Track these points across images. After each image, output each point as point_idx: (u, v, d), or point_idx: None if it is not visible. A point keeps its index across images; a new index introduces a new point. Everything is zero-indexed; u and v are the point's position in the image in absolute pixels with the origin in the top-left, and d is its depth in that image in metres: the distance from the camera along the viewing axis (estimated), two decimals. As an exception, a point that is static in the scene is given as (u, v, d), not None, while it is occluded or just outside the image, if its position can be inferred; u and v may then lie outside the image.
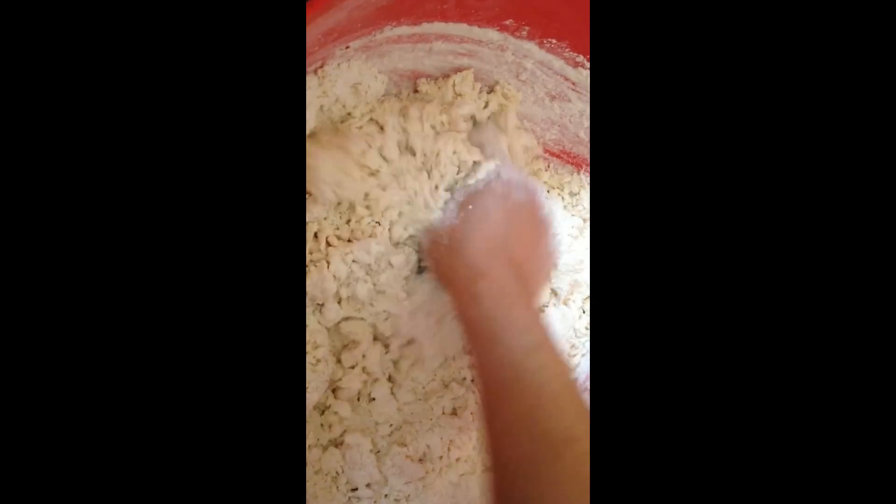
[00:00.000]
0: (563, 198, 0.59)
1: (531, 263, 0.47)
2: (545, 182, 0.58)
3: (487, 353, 0.40)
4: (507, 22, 0.47)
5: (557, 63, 0.50)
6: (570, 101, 0.53)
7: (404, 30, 0.44)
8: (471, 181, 0.47)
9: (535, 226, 0.49)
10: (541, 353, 0.39)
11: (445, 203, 0.47)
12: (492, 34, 0.48)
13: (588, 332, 0.57)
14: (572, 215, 0.58)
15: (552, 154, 0.58)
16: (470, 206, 0.46)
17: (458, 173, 0.48)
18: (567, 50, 0.49)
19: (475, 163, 0.48)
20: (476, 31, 0.47)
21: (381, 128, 0.46)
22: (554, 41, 0.48)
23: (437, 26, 0.45)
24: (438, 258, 0.46)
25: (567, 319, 0.56)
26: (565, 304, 0.57)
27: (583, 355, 0.57)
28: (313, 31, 0.36)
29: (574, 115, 0.54)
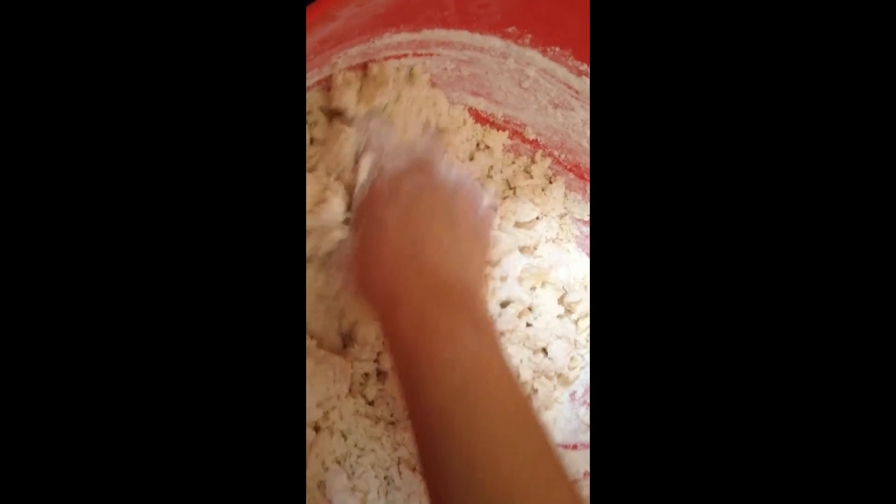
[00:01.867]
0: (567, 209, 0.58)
1: (453, 261, 0.39)
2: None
3: (412, 404, 0.35)
4: (510, 29, 0.46)
5: (560, 71, 0.49)
6: (573, 109, 0.52)
7: (404, 37, 0.43)
8: (358, 190, 0.41)
9: (443, 211, 0.40)
10: (470, 390, 0.33)
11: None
12: (494, 41, 0.47)
13: (588, 344, 0.57)
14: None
15: (557, 162, 0.57)
16: (362, 222, 0.39)
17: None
18: (570, 58, 0.48)
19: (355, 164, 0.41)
20: (478, 39, 0.46)
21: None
22: (557, 49, 0.47)
23: (438, 33, 0.44)
24: (354, 293, 0.41)
25: (568, 332, 0.55)
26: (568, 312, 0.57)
27: (582, 367, 0.56)
28: (308, 41, 0.35)
29: (577, 124, 0.53)
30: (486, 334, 0.36)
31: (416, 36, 0.44)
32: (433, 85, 0.49)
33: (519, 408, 0.34)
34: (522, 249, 0.55)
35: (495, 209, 0.46)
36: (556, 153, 0.56)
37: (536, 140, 0.56)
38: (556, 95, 0.51)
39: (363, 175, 0.41)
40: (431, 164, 0.42)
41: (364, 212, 0.40)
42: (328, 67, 0.42)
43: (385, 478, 0.50)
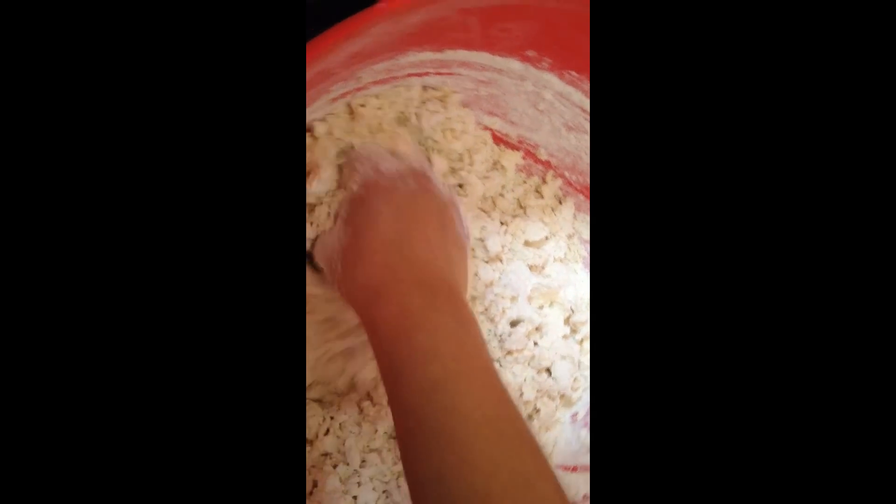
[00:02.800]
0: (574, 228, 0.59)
1: (440, 260, 0.39)
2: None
3: (390, 396, 0.34)
4: (530, 53, 0.47)
5: (576, 95, 0.50)
6: (586, 132, 0.53)
7: (427, 55, 0.45)
8: (350, 188, 0.41)
9: (435, 216, 0.41)
10: (449, 386, 0.32)
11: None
12: (513, 64, 0.48)
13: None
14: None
15: (569, 183, 0.58)
16: (355, 218, 0.40)
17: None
18: (586, 83, 0.49)
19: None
20: (498, 61, 0.47)
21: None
22: (574, 73, 0.49)
23: (460, 54, 0.46)
24: (339, 286, 0.40)
25: (572, 353, 0.56)
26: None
27: (584, 389, 0.57)
28: (339, 55, 0.36)
29: (589, 147, 0.54)
30: (469, 331, 0.35)
31: (439, 55, 0.45)
32: (464, 105, 0.51)
33: (499, 404, 0.32)
34: (531, 268, 0.56)
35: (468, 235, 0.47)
36: (567, 174, 0.57)
37: (549, 161, 0.57)
38: (571, 118, 0.53)
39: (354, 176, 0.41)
40: (427, 175, 0.43)
41: (356, 205, 0.40)
42: (353, 81, 0.43)
43: (384, 492, 0.50)
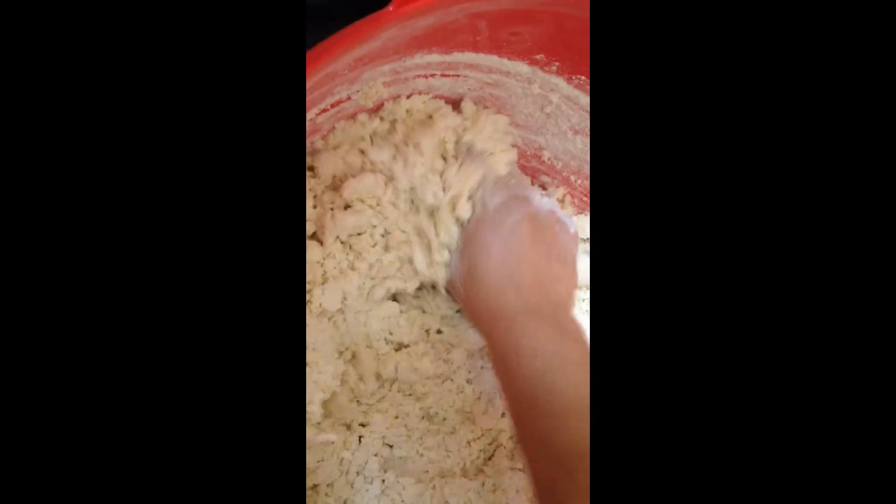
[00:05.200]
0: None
1: (546, 283, 0.45)
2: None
3: (505, 385, 0.42)
4: (538, 57, 0.46)
5: (584, 99, 0.50)
6: (592, 136, 0.52)
7: (434, 58, 0.44)
8: (461, 221, 0.47)
9: (539, 240, 0.46)
10: (548, 376, 0.40)
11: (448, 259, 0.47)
12: (521, 67, 0.47)
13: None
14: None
15: (569, 186, 0.57)
16: (468, 250, 0.46)
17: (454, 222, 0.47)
18: (595, 87, 0.48)
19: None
20: (506, 63, 0.47)
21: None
22: (583, 78, 0.48)
23: (468, 56, 0.45)
24: (463, 308, 0.48)
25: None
26: None
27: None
28: (346, 59, 0.35)
29: (595, 151, 0.53)
30: (567, 338, 0.42)
31: (447, 58, 0.44)
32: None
33: (587, 387, 0.39)
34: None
35: (579, 237, 0.51)
36: (572, 178, 0.57)
37: (552, 164, 0.56)
38: (577, 122, 0.52)
39: (464, 213, 0.46)
40: (527, 198, 0.47)
41: (470, 241, 0.46)
42: (359, 83, 0.42)
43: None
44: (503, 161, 0.51)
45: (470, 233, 0.46)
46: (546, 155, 0.56)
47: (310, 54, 0.32)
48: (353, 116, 0.46)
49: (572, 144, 0.54)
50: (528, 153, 0.56)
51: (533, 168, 0.57)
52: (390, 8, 0.33)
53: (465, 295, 0.46)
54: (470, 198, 0.46)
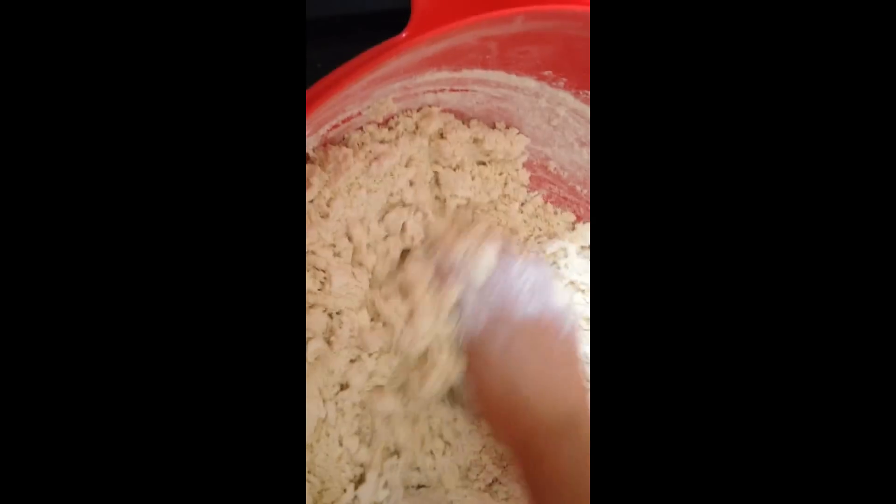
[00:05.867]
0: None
1: (550, 392, 0.43)
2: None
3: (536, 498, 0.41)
4: (546, 73, 0.47)
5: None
6: (599, 149, 0.53)
7: (444, 74, 0.44)
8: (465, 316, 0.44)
9: (538, 347, 0.44)
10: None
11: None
12: (529, 82, 0.48)
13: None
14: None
15: (575, 195, 0.58)
16: (477, 348, 0.44)
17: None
18: (602, 102, 0.49)
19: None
20: (514, 79, 0.47)
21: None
22: (589, 93, 0.49)
23: (477, 73, 0.45)
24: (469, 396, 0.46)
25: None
26: None
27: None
28: (359, 83, 0.36)
29: (602, 163, 0.54)
30: (577, 456, 0.39)
31: (456, 74, 0.45)
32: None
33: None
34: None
35: (577, 326, 0.49)
36: (578, 188, 0.57)
37: (559, 174, 0.57)
38: (584, 134, 0.53)
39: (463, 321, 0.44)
40: (513, 305, 0.44)
41: (471, 350, 0.44)
42: (370, 101, 0.43)
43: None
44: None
45: (471, 339, 0.44)
46: (552, 165, 0.56)
47: (323, 82, 0.32)
48: (360, 129, 0.47)
49: (578, 156, 0.55)
50: (535, 163, 0.56)
51: (539, 178, 0.57)
52: (403, 35, 0.33)
53: (472, 391, 0.45)
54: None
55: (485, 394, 0.44)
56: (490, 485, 0.53)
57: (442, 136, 0.49)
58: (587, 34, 0.40)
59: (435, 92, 0.47)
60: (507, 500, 0.52)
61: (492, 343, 0.43)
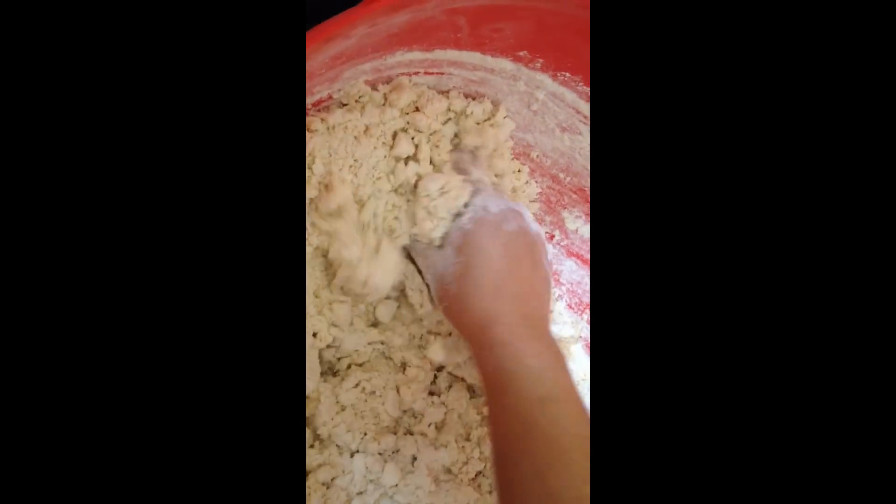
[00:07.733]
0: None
1: (534, 297, 0.46)
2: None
3: (497, 405, 0.40)
4: (522, 53, 0.46)
5: (570, 96, 0.49)
6: (580, 133, 0.52)
7: (416, 55, 0.44)
8: (462, 220, 0.46)
9: (530, 254, 0.47)
10: (552, 404, 0.38)
11: (441, 243, 0.47)
12: (505, 64, 0.47)
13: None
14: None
15: (558, 183, 0.57)
16: (468, 248, 0.45)
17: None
18: (580, 84, 0.48)
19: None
20: (489, 61, 0.46)
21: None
22: (567, 74, 0.48)
23: (450, 53, 0.45)
24: (449, 306, 0.46)
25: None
26: None
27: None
28: (319, 57, 0.35)
29: (583, 148, 0.53)
30: (560, 361, 0.41)
31: (428, 55, 0.44)
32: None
33: (587, 425, 0.37)
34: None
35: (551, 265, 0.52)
36: (561, 175, 0.56)
37: (541, 161, 0.56)
38: (564, 119, 0.52)
39: (469, 213, 0.46)
40: (522, 214, 0.47)
41: (470, 239, 0.45)
42: (340, 82, 0.42)
43: None
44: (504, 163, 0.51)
45: (469, 232, 0.45)
46: (535, 153, 0.55)
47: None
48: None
49: (560, 142, 0.54)
50: (517, 150, 0.55)
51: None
52: (359, 8, 0.32)
53: (456, 291, 0.45)
54: (467, 205, 0.46)
55: (474, 274, 0.44)
56: (474, 478, 0.52)
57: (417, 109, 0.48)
58: (557, 7, 0.40)
59: (409, 75, 0.46)
60: (491, 492, 0.51)
61: (501, 229, 0.45)
